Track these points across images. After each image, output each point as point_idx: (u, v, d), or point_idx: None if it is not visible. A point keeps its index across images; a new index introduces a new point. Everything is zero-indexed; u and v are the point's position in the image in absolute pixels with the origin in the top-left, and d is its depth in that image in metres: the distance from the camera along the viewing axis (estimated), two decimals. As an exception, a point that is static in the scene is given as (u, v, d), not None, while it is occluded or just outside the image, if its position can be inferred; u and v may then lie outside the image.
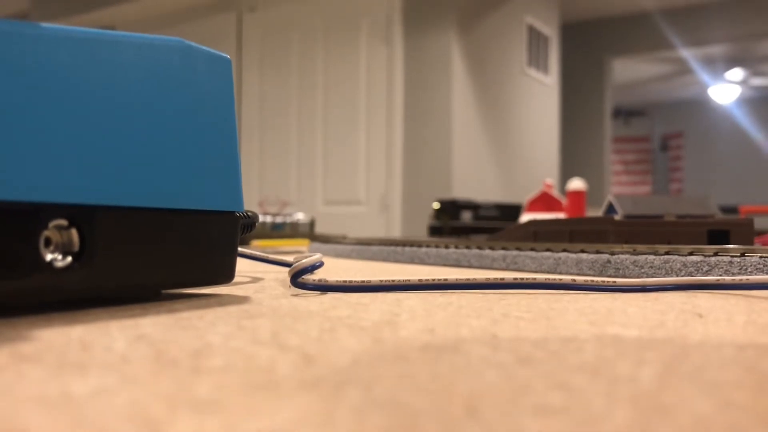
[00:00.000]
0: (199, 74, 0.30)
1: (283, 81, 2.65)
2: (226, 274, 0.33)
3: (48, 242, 0.24)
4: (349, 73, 2.48)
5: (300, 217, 1.45)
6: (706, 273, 0.43)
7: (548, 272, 0.54)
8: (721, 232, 0.61)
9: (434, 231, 1.62)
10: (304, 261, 0.35)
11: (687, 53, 3.68)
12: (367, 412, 0.12)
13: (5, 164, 0.22)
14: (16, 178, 0.22)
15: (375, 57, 2.42)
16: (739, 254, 0.43)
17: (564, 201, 1.44)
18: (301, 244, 1.05)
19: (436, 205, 1.63)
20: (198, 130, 0.30)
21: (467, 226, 1.64)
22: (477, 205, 1.64)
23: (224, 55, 0.32)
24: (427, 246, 0.70)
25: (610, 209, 0.88)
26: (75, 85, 0.25)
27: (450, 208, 1.62)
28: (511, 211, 1.76)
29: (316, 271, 0.36)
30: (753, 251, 0.43)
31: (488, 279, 0.35)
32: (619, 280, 0.36)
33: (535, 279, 0.35)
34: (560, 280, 0.35)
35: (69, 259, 0.25)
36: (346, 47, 2.49)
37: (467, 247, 0.64)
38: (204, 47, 0.31)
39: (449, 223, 1.59)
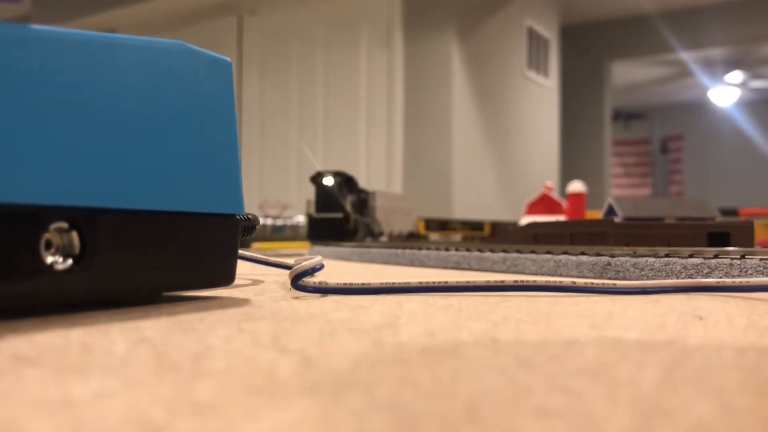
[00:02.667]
0: (200, 77, 0.30)
1: (283, 84, 2.66)
2: (226, 277, 0.33)
3: (48, 245, 0.24)
4: (350, 77, 2.48)
5: (300, 219, 1.45)
6: (707, 275, 0.43)
7: (549, 275, 0.54)
8: (721, 234, 0.61)
9: (321, 229, 0.95)
10: (304, 263, 0.35)
11: (687, 56, 3.67)
12: (368, 416, 0.12)
13: (5, 167, 0.22)
14: (17, 181, 0.22)
15: (375, 61, 2.42)
16: (739, 256, 0.43)
17: (564, 203, 1.44)
18: (302, 247, 1.05)
19: (328, 181, 0.94)
20: (199, 133, 0.30)
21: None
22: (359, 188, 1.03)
23: (225, 58, 0.32)
24: (428, 249, 0.70)
25: (610, 212, 0.88)
26: (75, 88, 0.25)
27: (350, 188, 0.97)
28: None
29: (316, 274, 0.36)
30: (753, 253, 0.43)
31: (488, 282, 0.35)
32: (620, 283, 0.36)
33: (535, 282, 0.35)
34: (561, 282, 0.35)
35: (69, 261, 0.25)
36: (346, 51, 2.49)
37: (467, 250, 0.64)
38: (204, 50, 0.31)
39: (357, 220, 0.96)
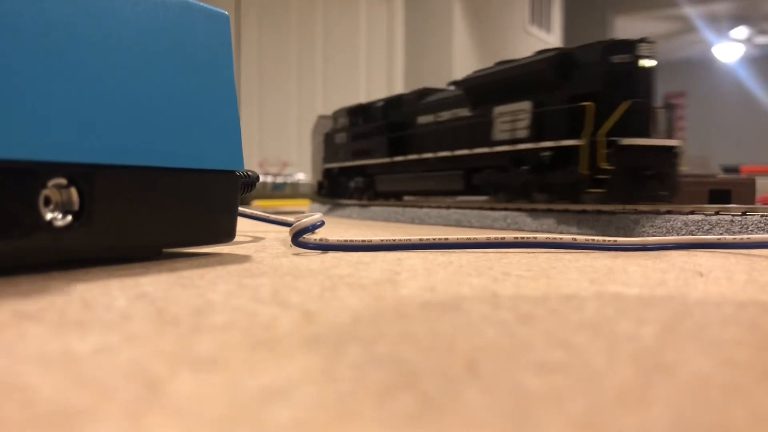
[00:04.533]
0: (197, 30, 0.30)
1: (282, 37, 2.62)
2: (226, 234, 0.33)
3: (47, 201, 0.24)
4: (349, 31, 2.45)
5: (300, 177, 1.44)
6: (707, 232, 0.43)
7: (549, 231, 0.54)
8: (723, 191, 0.60)
9: (623, 174, 0.49)
10: (304, 220, 0.35)
11: (691, 11, 3.62)
12: (368, 370, 0.12)
13: (3, 123, 0.22)
14: (15, 137, 0.22)
15: (375, 14, 2.39)
16: (740, 213, 0.43)
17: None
18: (302, 204, 1.05)
19: (649, 62, 0.48)
20: (197, 88, 0.30)
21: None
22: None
23: (222, 11, 0.31)
24: (428, 207, 0.70)
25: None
26: (72, 41, 0.24)
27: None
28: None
29: (316, 231, 0.36)
30: (754, 210, 0.43)
31: (489, 238, 0.35)
32: (620, 239, 0.36)
33: (535, 238, 0.35)
34: (561, 239, 0.35)
35: (69, 218, 0.25)
36: (345, 3, 2.46)
37: (468, 208, 0.64)
38: (201, 3, 0.30)
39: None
